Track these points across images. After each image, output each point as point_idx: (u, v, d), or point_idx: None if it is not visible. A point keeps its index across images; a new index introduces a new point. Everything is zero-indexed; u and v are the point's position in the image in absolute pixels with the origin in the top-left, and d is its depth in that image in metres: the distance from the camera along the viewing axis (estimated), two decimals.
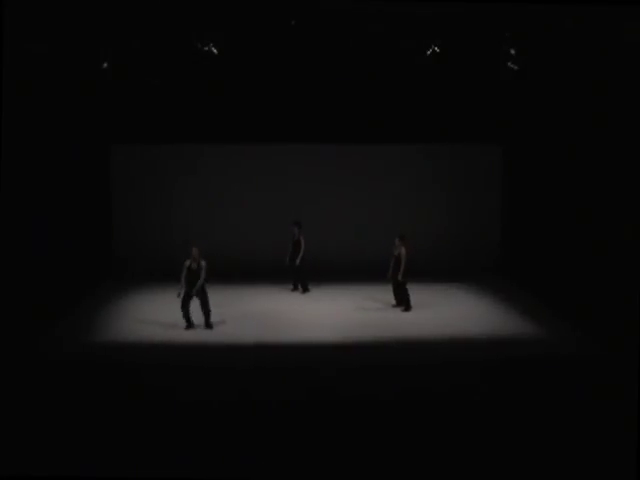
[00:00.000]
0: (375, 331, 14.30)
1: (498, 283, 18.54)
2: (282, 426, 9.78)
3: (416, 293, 15.96)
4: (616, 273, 13.18)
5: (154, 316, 15.23)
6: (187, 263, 14.11)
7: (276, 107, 17.75)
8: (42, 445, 9.12)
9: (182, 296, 14.17)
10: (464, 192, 19.68)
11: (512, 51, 13.75)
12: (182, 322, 14.32)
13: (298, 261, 17.09)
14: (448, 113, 18.05)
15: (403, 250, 15.43)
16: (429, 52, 13.76)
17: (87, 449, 9.04)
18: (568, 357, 12.76)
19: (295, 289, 17.57)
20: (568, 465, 8.76)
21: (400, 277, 15.51)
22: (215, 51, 13.72)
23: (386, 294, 16.16)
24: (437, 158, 19.67)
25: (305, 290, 17.48)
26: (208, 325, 14.29)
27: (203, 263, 14.06)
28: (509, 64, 14.04)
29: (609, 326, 12.97)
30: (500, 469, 8.72)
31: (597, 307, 13.68)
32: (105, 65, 13.88)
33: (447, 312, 15.76)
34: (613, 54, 12.87)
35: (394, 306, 15.87)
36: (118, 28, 13.04)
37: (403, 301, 15.73)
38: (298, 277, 17.46)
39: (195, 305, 14.28)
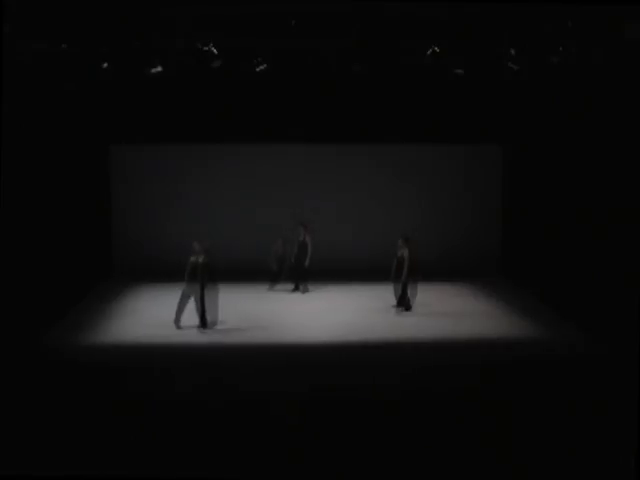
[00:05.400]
0: (375, 331, 14.29)
1: (498, 283, 18.55)
2: (281, 426, 9.78)
3: (416, 293, 15.94)
4: (616, 273, 13.17)
5: (154, 316, 15.23)
6: (192, 259, 14.08)
7: (276, 107, 17.76)
8: (41, 445, 9.11)
9: (184, 293, 14.18)
10: (464, 192, 19.71)
11: (512, 51, 13.73)
12: (182, 322, 14.34)
13: (307, 262, 17.16)
14: (448, 113, 18.05)
15: (407, 252, 15.41)
16: (429, 52, 13.74)
17: (86, 449, 9.04)
18: (568, 357, 12.76)
19: (296, 289, 17.59)
20: (568, 465, 8.75)
21: (403, 278, 15.49)
22: (215, 51, 13.71)
23: (386, 294, 16.15)
24: (437, 158, 19.70)
25: (305, 290, 17.52)
26: (204, 324, 14.25)
27: (205, 258, 14.06)
28: (509, 64, 14.03)
29: (609, 326, 12.97)
30: (501, 469, 8.71)
31: (597, 307, 13.67)
32: (105, 65, 13.87)
33: (447, 312, 15.76)
34: (613, 53, 12.86)
35: (395, 306, 15.85)
36: (118, 28, 13.03)
37: (404, 301, 15.73)
38: (300, 277, 17.49)
39: (190, 306, 14.29)
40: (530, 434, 9.50)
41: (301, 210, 18.54)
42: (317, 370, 12.16)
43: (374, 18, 13.06)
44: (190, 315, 14.32)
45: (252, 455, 8.94)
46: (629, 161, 12.83)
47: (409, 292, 15.67)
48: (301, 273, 17.44)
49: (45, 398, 10.54)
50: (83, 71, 14.16)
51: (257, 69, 14.51)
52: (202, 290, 14.05)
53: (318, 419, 10.03)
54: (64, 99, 15.54)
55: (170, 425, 9.73)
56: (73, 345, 13.43)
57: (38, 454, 8.88)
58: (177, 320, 14.28)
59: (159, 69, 14.14)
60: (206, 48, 13.71)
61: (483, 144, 19.45)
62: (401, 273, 15.49)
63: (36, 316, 13.58)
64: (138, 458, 8.82)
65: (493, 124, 18.43)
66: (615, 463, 8.69)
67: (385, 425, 9.80)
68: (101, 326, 14.62)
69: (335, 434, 9.50)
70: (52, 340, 13.60)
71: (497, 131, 18.65)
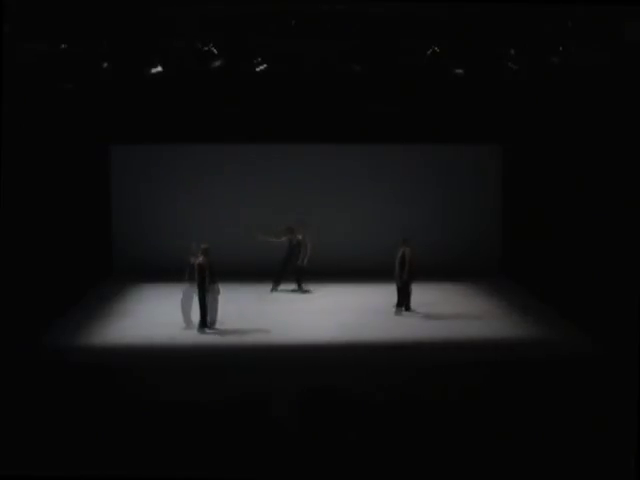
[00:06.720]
0: (375, 332, 14.30)
1: (498, 283, 18.55)
2: (280, 426, 9.78)
3: (417, 293, 15.95)
4: (616, 273, 13.17)
5: (153, 316, 15.24)
6: (192, 260, 14.12)
7: (276, 107, 17.75)
8: (40, 445, 9.11)
9: (188, 295, 14.21)
10: (464, 192, 19.71)
11: (512, 51, 13.74)
12: (181, 322, 14.36)
13: (305, 261, 17.28)
14: (448, 113, 18.05)
15: (407, 251, 15.40)
16: (429, 52, 13.74)
17: (86, 450, 9.04)
18: (569, 358, 12.76)
19: (297, 290, 17.61)
20: (568, 465, 8.75)
21: (402, 277, 15.46)
22: (215, 51, 13.72)
23: (386, 294, 16.15)
24: (437, 158, 19.72)
25: (305, 291, 17.55)
26: (204, 324, 14.23)
27: (204, 258, 14.06)
28: (509, 64, 14.03)
29: (609, 326, 12.97)
30: (502, 469, 8.71)
31: (597, 307, 13.68)
32: (105, 65, 13.87)
33: (447, 313, 15.77)
34: (613, 53, 12.86)
35: (395, 306, 15.82)
36: (118, 28, 13.03)
37: (404, 301, 15.72)
38: (299, 277, 17.52)
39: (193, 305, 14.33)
40: (531, 434, 9.50)
41: (301, 210, 18.56)
42: (317, 370, 12.16)
43: (374, 18, 13.06)
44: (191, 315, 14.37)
45: (251, 455, 8.94)
46: (629, 161, 12.83)
47: (408, 291, 15.69)
48: (299, 273, 17.48)
49: (44, 398, 10.53)
50: (83, 71, 14.16)
51: (257, 69, 14.52)
52: (202, 291, 14.04)
53: (318, 420, 10.03)
54: (64, 99, 15.53)
55: (170, 425, 9.72)
56: (72, 345, 13.43)
57: (38, 454, 8.88)
58: (187, 321, 14.30)
59: (159, 69, 14.14)
60: (206, 48, 13.70)
61: (483, 144, 19.45)
62: (401, 273, 15.47)
63: (35, 315, 13.57)
64: (137, 458, 8.82)
65: (493, 124, 18.43)
66: (615, 463, 8.69)
67: (385, 426, 9.79)
68: (100, 326, 14.62)
69: (335, 435, 9.50)
70: (51, 340, 13.60)
71: (497, 131, 18.65)
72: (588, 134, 14.58)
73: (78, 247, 16.65)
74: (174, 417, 9.99)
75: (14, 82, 11.72)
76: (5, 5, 10.66)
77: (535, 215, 17.33)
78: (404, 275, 15.43)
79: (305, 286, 17.64)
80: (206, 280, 13.98)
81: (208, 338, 13.92)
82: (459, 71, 14.43)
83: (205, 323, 14.19)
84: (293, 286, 17.65)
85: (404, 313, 15.62)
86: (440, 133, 18.52)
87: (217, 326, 14.37)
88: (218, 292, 14.26)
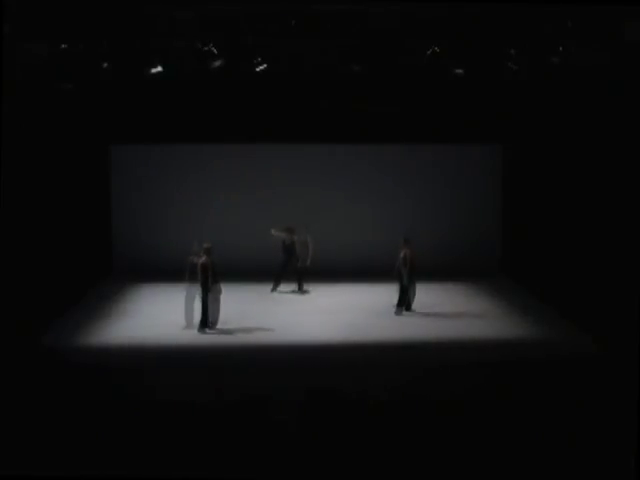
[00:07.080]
0: (375, 332, 14.30)
1: (499, 283, 18.55)
2: (281, 426, 9.78)
3: (417, 293, 15.94)
4: (616, 273, 13.17)
5: (153, 316, 15.23)
6: (193, 259, 14.12)
7: (276, 107, 17.75)
8: (40, 445, 9.11)
9: (191, 294, 14.22)
10: (464, 192, 19.71)
11: (512, 51, 13.75)
12: (181, 322, 14.36)
13: (308, 262, 17.29)
14: (448, 113, 18.05)
15: (408, 252, 15.40)
16: (429, 52, 13.75)
17: (86, 450, 9.04)
18: (569, 358, 12.77)
19: (297, 290, 17.62)
20: (569, 465, 8.75)
21: (401, 278, 15.47)
22: (215, 51, 13.72)
23: (387, 294, 16.15)
24: (437, 158, 19.71)
25: (304, 291, 17.56)
26: (204, 324, 14.23)
27: (206, 258, 14.06)
28: (509, 64, 14.04)
29: (609, 326, 12.97)
30: (502, 469, 8.71)
31: (597, 307, 13.68)
32: (105, 65, 13.87)
33: (448, 313, 15.77)
34: (613, 53, 12.86)
35: (395, 306, 15.82)
36: (118, 28, 13.04)
37: (404, 301, 15.72)
38: (300, 278, 17.52)
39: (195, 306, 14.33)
40: (531, 434, 9.50)
41: (301, 210, 18.57)
42: (317, 370, 12.16)
43: (374, 18, 13.06)
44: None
45: (251, 455, 8.94)
46: (629, 161, 12.83)
47: (409, 292, 15.69)
48: (301, 273, 17.50)
49: (44, 398, 10.54)
50: (83, 71, 14.16)
51: (257, 69, 14.52)
52: (205, 290, 14.03)
53: (318, 420, 10.03)
54: (64, 99, 15.53)
55: (169, 425, 9.72)
56: (72, 345, 13.43)
57: (38, 454, 8.88)
58: (188, 321, 14.31)
59: (159, 69, 14.15)
60: (206, 48, 13.70)
61: (483, 144, 19.46)
62: (401, 273, 15.49)
63: (35, 315, 13.57)
64: (137, 458, 8.83)
65: (493, 124, 18.43)
66: (615, 463, 8.69)
67: (385, 426, 9.79)
68: (100, 326, 14.61)
69: (335, 435, 9.50)
70: (51, 340, 13.60)
71: (497, 131, 18.65)
72: (588, 134, 14.58)
73: (78, 247, 16.64)
74: (174, 417, 9.99)
75: (14, 82, 11.72)
76: (5, 5, 10.66)
77: (535, 215, 17.32)
78: (402, 276, 15.43)
79: (305, 286, 17.65)
80: (209, 280, 13.98)
81: (208, 338, 13.92)
82: (459, 71, 14.43)
83: (206, 323, 14.19)
84: (293, 286, 17.65)
85: (405, 313, 15.62)
86: (440, 133, 18.51)
87: (218, 326, 14.36)
88: (220, 292, 14.26)
